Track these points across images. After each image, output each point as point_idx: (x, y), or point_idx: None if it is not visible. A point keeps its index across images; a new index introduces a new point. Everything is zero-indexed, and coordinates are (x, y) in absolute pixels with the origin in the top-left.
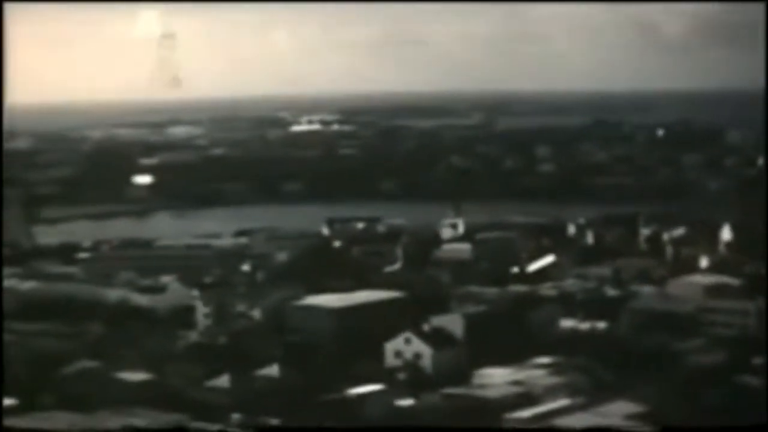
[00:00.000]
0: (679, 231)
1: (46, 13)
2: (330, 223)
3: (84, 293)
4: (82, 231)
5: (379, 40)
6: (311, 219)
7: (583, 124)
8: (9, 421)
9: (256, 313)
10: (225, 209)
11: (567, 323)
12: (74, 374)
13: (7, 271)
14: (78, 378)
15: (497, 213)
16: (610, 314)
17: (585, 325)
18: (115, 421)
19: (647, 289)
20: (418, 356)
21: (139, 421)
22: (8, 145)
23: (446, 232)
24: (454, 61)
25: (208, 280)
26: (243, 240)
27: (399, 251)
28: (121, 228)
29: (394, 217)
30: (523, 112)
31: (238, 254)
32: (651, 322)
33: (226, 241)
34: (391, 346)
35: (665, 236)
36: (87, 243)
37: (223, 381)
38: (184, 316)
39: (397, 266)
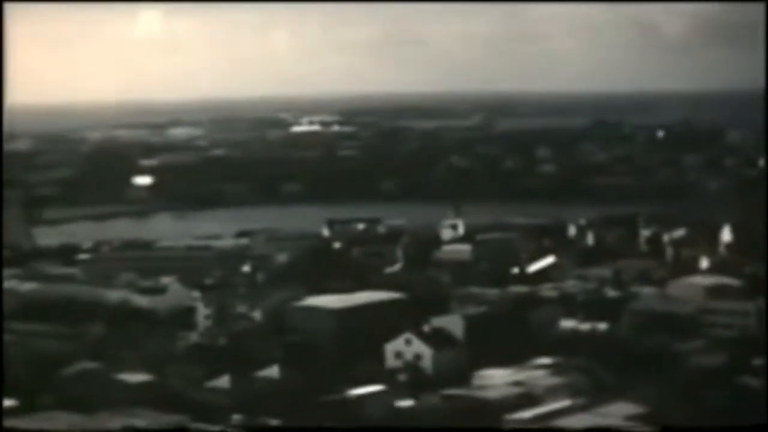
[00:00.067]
0: (680, 232)
1: (46, 13)
2: (330, 224)
3: (84, 294)
4: (83, 232)
5: (379, 40)
6: (311, 220)
7: (583, 124)
8: (9, 422)
9: (257, 314)
10: (225, 210)
11: (567, 324)
12: (75, 375)
13: (7, 272)
14: (78, 379)
15: (497, 214)
16: (611, 315)
17: (585, 326)
18: (116, 422)
19: (647, 290)
20: (418, 357)
21: (139, 422)
22: (8, 146)
23: (446, 233)
24: (455, 61)
25: (208, 281)
26: (243, 241)
27: (399, 252)
28: (122, 229)
29: (395, 218)
30: (524, 112)
31: (238, 255)
32: (651, 323)
33: (227, 242)
34: (392, 347)
35: (665, 237)
36: (87, 244)
37: (224, 382)
38: (184, 317)
39: (397, 267)
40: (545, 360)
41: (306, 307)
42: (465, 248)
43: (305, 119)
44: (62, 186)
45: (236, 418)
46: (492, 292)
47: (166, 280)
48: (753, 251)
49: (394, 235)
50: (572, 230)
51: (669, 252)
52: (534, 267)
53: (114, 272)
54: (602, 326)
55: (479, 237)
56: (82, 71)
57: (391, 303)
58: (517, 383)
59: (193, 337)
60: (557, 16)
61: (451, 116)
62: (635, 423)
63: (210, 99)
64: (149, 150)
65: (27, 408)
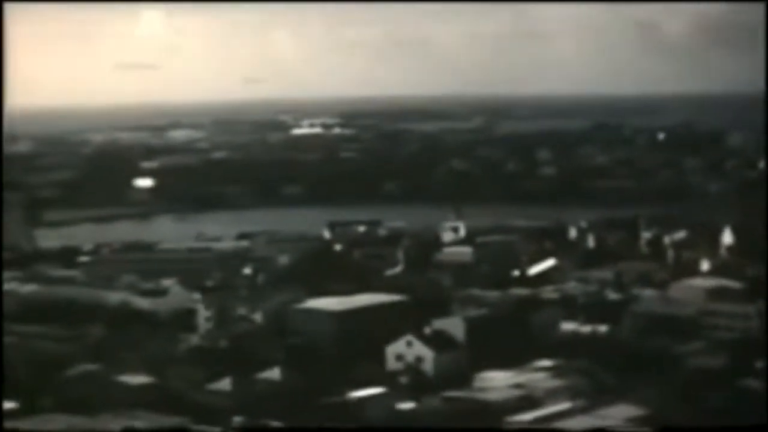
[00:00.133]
0: (680, 234)
1: (46, 13)
2: (331, 226)
3: (85, 296)
4: (83, 234)
5: (380, 41)
6: (312, 222)
7: (583, 127)
8: (9, 424)
9: (258, 317)
10: (226, 212)
11: (568, 326)
12: (75, 377)
13: (7, 274)
14: (79, 381)
15: (498, 216)
16: (612, 317)
17: (586, 329)
18: (117, 424)
19: (648, 293)
20: (419, 359)
21: (140, 424)
22: (9, 148)
23: (447, 236)
24: (455, 63)
25: (209, 283)
26: (244, 243)
27: (400, 254)
28: (123, 231)
29: (395, 220)
30: (524, 115)
31: (239, 257)
32: (652, 326)
33: (228, 245)
34: (393, 350)
35: (666, 239)
36: (88, 246)
37: (225, 384)
38: (185, 319)
39: (398, 269)
40: (546, 362)
41: (307, 309)
42: (466, 250)
43: (306, 122)
44: (63, 188)
45: (237, 420)
46: (493, 295)
47: (166, 282)
48: (754, 253)
49: (394, 238)
50: (573, 232)
51: (670, 254)
52: (535, 269)
53: (115, 274)
54: (603, 328)
55: (480, 239)
56: (83, 72)
57: (392, 305)
58: (517, 385)
59: (194, 339)
60: (558, 18)
61: (452, 119)
62: (636, 425)
63: (210, 101)
64: (150, 152)
65: (27, 410)
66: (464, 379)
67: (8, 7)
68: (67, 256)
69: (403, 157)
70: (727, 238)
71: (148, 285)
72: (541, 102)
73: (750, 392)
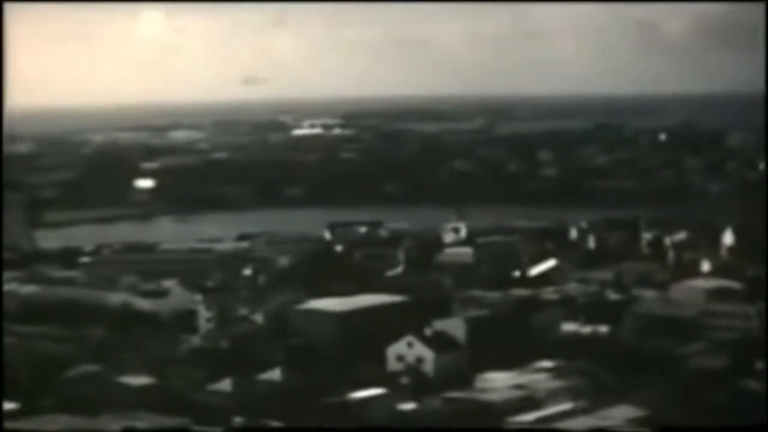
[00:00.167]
0: (681, 235)
1: (46, 13)
2: (332, 227)
3: (85, 297)
4: (84, 235)
5: (380, 41)
6: (313, 223)
7: (584, 127)
8: (10, 425)
9: (258, 317)
10: (227, 213)
11: (569, 327)
12: (76, 378)
13: (8, 275)
14: (80, 382)
15: (499, 217)
16: (612, 318)
17: (587, 329)
18: (117, 424)
19: (649, 293)
20: (420, 360)
21: (141, 425)
22: (9, 148)
23: (448, 236)
24: (456, 63)
25: (210, 284)
26: (245, 244)
27: (401, 255)
28: (123, 232)
29: (396, 221)
30: (525, 116)
31: (239, 258)
32: (653, 326)
33: (228, 245)
34: (393, 350)
35: (667, 240)
36: (89, 247)
37: (226, 385)
38: (186, 320)
39: (399, 270)
40: (547, 363)
41: (307, 310)
42: (467, 251)
43: (306, 122)
44: (63, 189)
45: (238, 420)
46: (494, 295)
47: (167, 283)
48: (754, 254)
49: (395, 238)
50: (574, 233)
51: (670, 255)
52: (535, 270)
53: (115, 275)
54: (604, 329)
55: (481, 240)
56: (83, 72)
57: (392, 306)
58: (518, 386)
59: (195, 340)
60: (558, 18)
61: (452, 119)
62: (637, 426)
63: (211, 101)
64: (150, 153)
65: (28, 411)
66: (465, 380)
67: (8, 7)
68: (67, 256)
69: (403, 157)
70: (728, 238)
71: (149, 286)
72: (541, 102)
73: (750, 393)
